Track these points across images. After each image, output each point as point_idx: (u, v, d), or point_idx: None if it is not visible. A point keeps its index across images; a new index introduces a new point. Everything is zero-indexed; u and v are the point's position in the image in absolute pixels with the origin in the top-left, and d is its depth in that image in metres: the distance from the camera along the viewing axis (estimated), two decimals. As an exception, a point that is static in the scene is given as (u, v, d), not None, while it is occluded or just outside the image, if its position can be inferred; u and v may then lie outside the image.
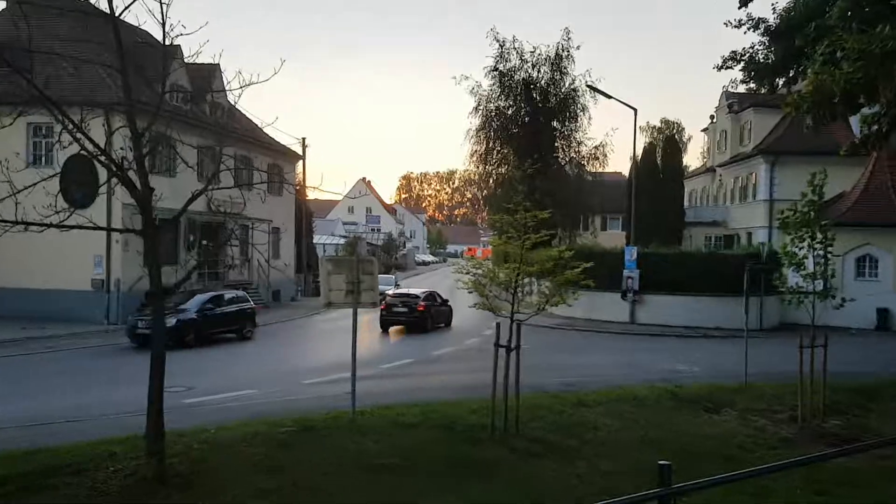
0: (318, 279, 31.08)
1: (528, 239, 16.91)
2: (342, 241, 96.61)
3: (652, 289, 44.34)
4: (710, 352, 33.70)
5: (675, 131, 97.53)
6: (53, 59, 20.27)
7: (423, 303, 40.56)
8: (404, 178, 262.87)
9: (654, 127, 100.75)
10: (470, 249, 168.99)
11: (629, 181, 54.14)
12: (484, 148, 59.31)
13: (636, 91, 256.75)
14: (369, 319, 41.53)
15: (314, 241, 71.23)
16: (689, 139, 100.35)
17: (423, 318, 40.15)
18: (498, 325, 16.26)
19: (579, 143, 59.66)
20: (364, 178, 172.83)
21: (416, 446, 14.87)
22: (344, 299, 17.04)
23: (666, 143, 67.01)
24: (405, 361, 29.37)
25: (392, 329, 40.24)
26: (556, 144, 58.86)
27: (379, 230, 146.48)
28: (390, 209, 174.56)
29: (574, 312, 42.01)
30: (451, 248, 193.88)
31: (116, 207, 36.68)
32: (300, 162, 60.27)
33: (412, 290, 43.40)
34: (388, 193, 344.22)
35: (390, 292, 43.28)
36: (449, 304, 42.84)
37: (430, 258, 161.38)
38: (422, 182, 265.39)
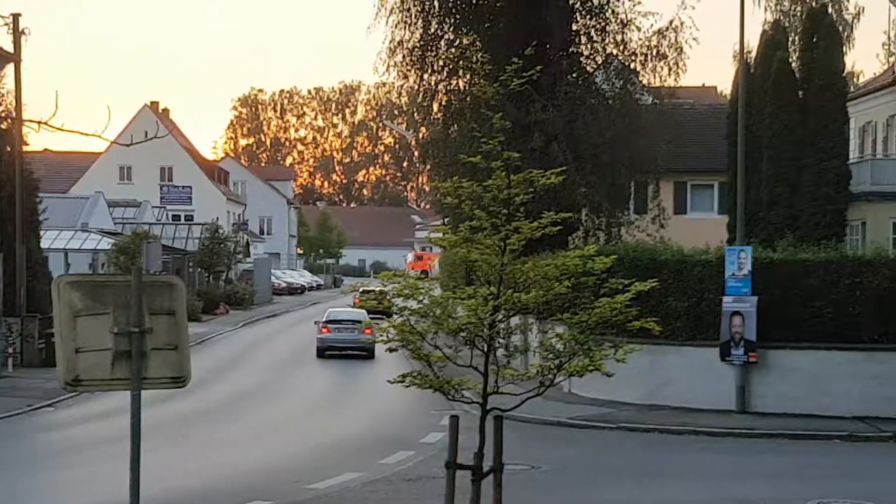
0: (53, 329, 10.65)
1: (515, 233, 8.46)
2: (108, 242, 47.89)
3: (785, 337, 21.97)
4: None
5: (829, 2, 46.61)
6: None
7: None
8: (243, 102, 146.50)
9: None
10: (420, 257, 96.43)
11: (733, 106, 28.03)
12: (419, 36, 31.49)
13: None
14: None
15: (43, 244, 36.03)
16: (857, 18, 50.64)
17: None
18: (454, 419, 8.51)
19: (624, 25, 31.59)
20: (154, 105, 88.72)
21: None
22: (109, 374, 7.80)
23: (809, 27, 30.92)
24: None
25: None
26: (573, 26, 31.44)
27: (190, 218, 75.07)
28: (214, 171, 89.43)
29: (618, 391, 22.01)
30: (353, 255, 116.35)
31: None
32: (9, 69, 30.97)
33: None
34: (211, 138, 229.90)
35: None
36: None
37: (302, 277, 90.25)
38: (281, 110, 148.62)
